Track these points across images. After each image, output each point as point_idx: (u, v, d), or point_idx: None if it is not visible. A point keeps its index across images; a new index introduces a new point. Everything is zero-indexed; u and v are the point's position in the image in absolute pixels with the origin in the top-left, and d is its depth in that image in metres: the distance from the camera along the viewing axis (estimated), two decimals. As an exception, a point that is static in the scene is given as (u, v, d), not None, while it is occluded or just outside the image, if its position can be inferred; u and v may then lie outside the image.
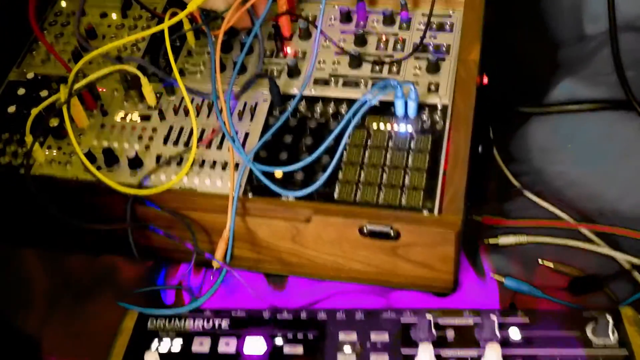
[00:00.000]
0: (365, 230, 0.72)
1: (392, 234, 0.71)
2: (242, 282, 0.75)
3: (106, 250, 0.82)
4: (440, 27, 0.86)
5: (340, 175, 0.75)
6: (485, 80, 0.86)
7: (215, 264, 0.75)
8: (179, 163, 0.78)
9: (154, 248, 0.80)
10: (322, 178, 0.73)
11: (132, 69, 0.79)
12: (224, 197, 0.74)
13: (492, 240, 0.86)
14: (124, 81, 0.83)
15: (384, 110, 0.78)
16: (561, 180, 0.89)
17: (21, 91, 0.86)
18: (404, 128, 0.77)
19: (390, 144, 0.76)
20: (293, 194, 0.73)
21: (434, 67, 0.81)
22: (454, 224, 0.70)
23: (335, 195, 0.74)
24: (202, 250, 0.77)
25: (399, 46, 0.85)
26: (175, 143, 0.80)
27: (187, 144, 0.79)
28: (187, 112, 0.81)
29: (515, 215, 0.87)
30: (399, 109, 0.78)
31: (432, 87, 0.80)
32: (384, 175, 0.74)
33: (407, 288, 0.77)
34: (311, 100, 0.81)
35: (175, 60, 0.84)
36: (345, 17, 0.88)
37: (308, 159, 0.74)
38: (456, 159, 0.74)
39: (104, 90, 0.85)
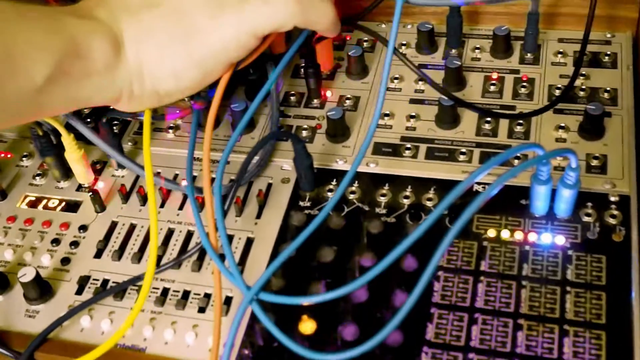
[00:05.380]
0: None
1: None
2: None
3: None
4: (595, 61, 0.61)
5: (429, 332, 0.47)
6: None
7: None
8: (119, 296, 0.51)
9: None
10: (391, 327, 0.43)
11: (51, 119, 0.57)
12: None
13: None
14: (37, 141, 0.60)
15: (509, 203, 0.52)
16: None
17: None
18: (549, 239, 0.51)
19: (526, 269, 0.50)
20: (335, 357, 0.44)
21: (594, 128, 0.55)
22: None
23: (423, 376, 0.45)
24: None
25: (522, 90, 0.59)
26: (118, 256, 0.53)
27: (138, 259, 0.53)
28: (145, 199, 0.58)
29: None
30: (540, 202, 0.51)
31: (595, 164, 0.54)
32: (519, 337, 0.46)
33: None
34: (371, 181, 0.56)
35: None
36: (427, 42, 0.63)
37: (357, 282, 0.43)
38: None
39: (5, 156, 0.64)
